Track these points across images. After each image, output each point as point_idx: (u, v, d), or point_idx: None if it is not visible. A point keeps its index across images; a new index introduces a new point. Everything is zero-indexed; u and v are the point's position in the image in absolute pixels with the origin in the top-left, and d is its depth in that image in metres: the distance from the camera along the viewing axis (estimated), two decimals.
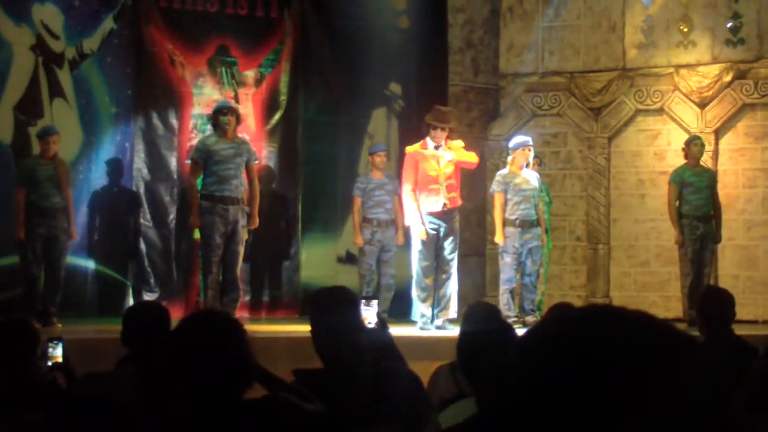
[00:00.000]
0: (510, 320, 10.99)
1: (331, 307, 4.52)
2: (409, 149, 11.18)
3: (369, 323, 4.95)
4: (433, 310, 11.02)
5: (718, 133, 13.46)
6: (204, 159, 10.87)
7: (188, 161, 12.19)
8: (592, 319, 1.27)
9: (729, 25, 13.46)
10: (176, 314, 9.86)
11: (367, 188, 12.10)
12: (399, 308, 12.03)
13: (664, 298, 13.41)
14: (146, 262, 12.77)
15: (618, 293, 13.78)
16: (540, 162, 12.85)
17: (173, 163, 12.91)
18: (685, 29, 13.66)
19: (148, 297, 12.41)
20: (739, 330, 6.90)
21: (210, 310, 9.79)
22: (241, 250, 11.05)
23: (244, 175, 11.03)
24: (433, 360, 7.65)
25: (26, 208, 10.96)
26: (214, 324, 3.52)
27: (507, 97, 14.43)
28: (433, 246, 11.00)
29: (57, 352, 5.14)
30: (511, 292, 11.55)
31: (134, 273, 12.75)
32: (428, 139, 10.98)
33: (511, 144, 11.68)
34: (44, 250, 10.98)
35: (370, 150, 12.50)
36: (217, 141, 10.90)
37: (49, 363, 5.12)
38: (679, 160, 12.60)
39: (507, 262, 11.46)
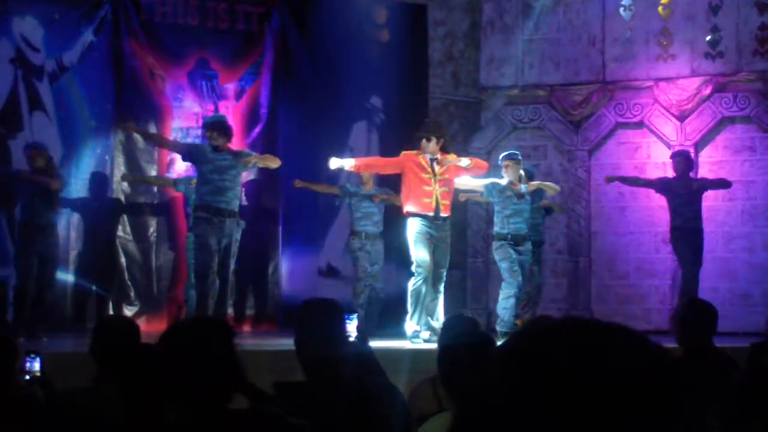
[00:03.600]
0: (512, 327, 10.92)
1: (316, 318, 4.51)
2: (405, 151, 10.96)
3: (349, 337, 4.95)
4: (421, 323, 10.92)
5: (698, 146, 13.52)
6: (197, 157, 10.67)
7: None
8: (567, 331, 1.27)
9: (708, 38, 13.52)
10: (157, 328, 9.83)
11: (356, 198, 12.08)
12: (386, 320, 12.01)
13: (645, 311, 13.44)
14: (126, 276, 12.73)
15: (599, 306, 13.80)
16: (530, 177, 12.84)
17: (185, 164, 12.85)
18: (665, 43, 13.72)
19: (128, 310, 12.37)
20: (719, 342, 6.90)
21: (200, 315, 9.76)
22: (233, 264, 10.96)
23: (239, 188, 10.93)
24: (415, 373, 7.63)
25: (22, 225, 11.02)
26: (204, 327, 3.53)
27: (487, 110, 14.46)
28: (430, 244, 10.78)
29: (35, 366, 5.12)
30: (516, 298, 11.27)
31: (114, 286, 12.71)
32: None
33: (501, 157, 11.51)
34: (39, 266, 11.01)
35: None
36: (213, 150, 10.71)
37: (27, 377, 5.09)
38: (659, 173, 12.66)
39: (505, 267, 11.21)
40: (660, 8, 13.71)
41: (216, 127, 10.81)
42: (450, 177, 10.81)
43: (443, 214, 10.71)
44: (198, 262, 10.82)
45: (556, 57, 14.25)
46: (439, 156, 10.70)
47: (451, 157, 10.80)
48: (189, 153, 10.77)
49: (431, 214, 10.66)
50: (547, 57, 14.28)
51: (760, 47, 13.35)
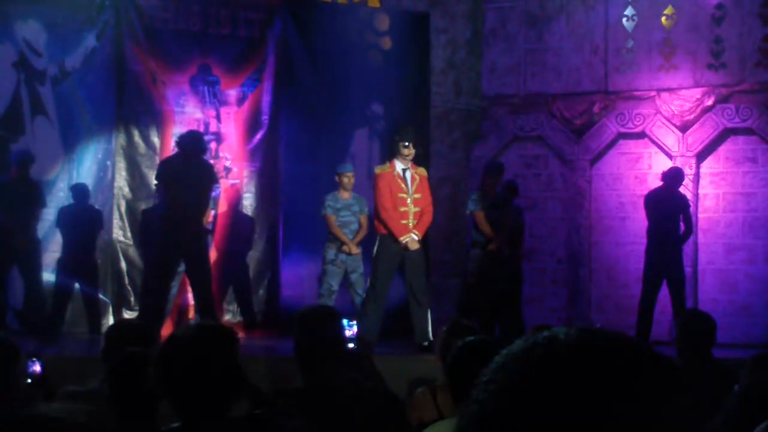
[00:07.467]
0: None
1: (315, 324, 4.50)
2: (378, 170, 11.13)
3: (348, 343, 4.95)
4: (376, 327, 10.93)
5: (699, 157, 13.51)
6: (168, 179, 10.95)
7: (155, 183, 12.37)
8: (570, 340, 1.26)
9: (711, 49, 13.52)
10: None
11: (335, 207, 12.00)
12: (387, 329, 11.99)
13: None
14: (126, 281, 12.73)
15: (599, 316, 13.78)
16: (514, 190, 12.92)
17: (154, 181, 12.87)
18: (667, 53, 13.72)
19: (128, 315, 12.37)
20: (719, 354, 6.90)
21: (204, 321, 9.79)
22: (209, 269, 11.04)
23: (205, 198, 11.12)
24: (414, 382, 7.63)
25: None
26: (206, 334, 3.52)
27: (489, 119, 14.45)
28: (394, 266, 10.91)
29: (36, 369, 5.12)
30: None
31: (114, 291, 12.70)
32: (396, 161, 10.96)
33: (487, 167, 11.69)
34: (20, 270, 11.09)
35: (338, 170, 12.24)
36: (182, 163, 10.94)
37: (29, 380, 5.09)
38: (659, 183, 12.68)
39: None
40: (663, 18, 13.71)
41: (192, 146, 11.14)
42: (423, 197, 10.95)
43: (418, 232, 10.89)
44: (147, 276, 10.98)
45: (558, 66, 14.24)
46: (410, 166, 10.88)
47: (424, 173, 10.97)
48: (169, 181, 10.96)
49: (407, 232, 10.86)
50: (549, 66, 14.28)
51: (764, 58, 13.36)
